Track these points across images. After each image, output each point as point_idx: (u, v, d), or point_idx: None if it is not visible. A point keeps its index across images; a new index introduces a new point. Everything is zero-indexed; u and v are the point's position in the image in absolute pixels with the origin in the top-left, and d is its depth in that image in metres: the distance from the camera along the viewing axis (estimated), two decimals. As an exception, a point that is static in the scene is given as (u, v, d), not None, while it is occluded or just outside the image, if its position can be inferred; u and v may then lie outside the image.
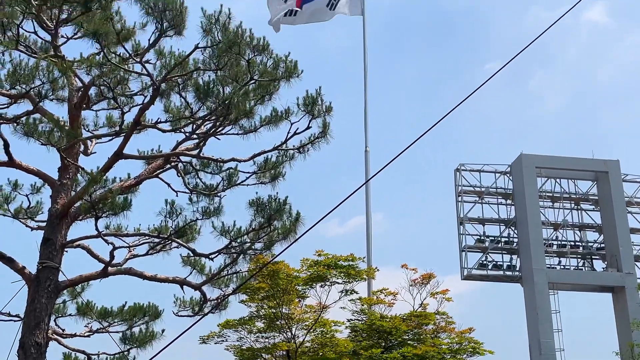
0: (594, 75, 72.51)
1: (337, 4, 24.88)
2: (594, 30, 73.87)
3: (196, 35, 11.07)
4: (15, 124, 11.78)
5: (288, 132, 12.04)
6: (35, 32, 11.99)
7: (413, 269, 25.37)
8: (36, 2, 11.06)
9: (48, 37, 11.96)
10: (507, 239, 37.30)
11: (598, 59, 72.92)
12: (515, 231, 37.10)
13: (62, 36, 12.05)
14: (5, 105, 11.91)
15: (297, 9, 23.67)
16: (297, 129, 12.00)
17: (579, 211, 38.55)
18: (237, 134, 11.98)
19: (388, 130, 64.27)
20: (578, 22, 72.33)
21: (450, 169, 38.62)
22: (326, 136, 12.08)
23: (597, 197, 38.13)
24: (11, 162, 11.73)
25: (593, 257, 37.75)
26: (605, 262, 37.13)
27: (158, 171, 12.51)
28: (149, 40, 11.45)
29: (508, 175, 38.03)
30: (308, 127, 12.00)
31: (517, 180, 37.32)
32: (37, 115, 11.91)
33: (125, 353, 12.76)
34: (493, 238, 37.22)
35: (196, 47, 11.14)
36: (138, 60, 11.38)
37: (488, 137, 67.49)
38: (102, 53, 10.98)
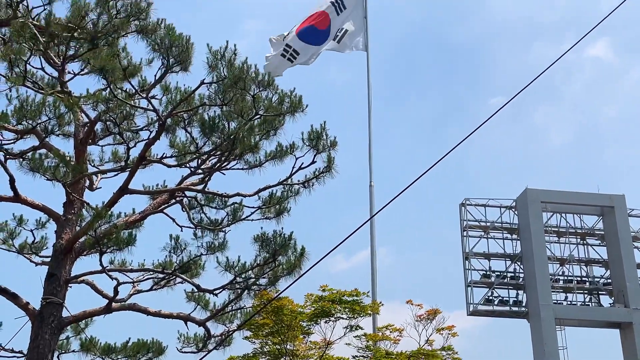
0: (599, 110, 72.79)
1: (342, 40, 24.97)
2: (598, 65, 74.34)
3: (202, 71, 11.18)
4: (21, 160, 11.83)
5: (293, 167, 12.07)
6: (42, 68, 12.11)
7: (418, 305, 25.20)
8: (44, 39, 11.18)
9: (55, 73, 12.07)
10: (513, 274, 37.06)
11: (602, 94, 73.27)
12: (521, 266, 36.89)
13: (69, 72, 12.16)
14: (12, 141, 11.99)
15: (296, 43, 23.66)
16: (302, 163, 12.04)
17: (585, 246, 38.36)
18: (242, 168, 12.01)
19: (393, 164, 64.36)
20: (582, 58, 72.84)
21: (456, 204, 38.53)
22: (331, 171, 12.10)
23: (603, 232, 37.97)
24: (16, 198, 11.75)
25: (600, 292, 37.47)
26: (612, 298, 36.82)
27: (163, 206, 12.52)
28: (155, 75, 11.57)
29: (513, 210, 37.94)
30: (313, 162, 12.03)
31: (522, 215, 37.21)
32: (43, 151, 11.97)
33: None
34: (499, 273, 36.99)
35: (202, 83, 11.23)
36: (144, 95, 11.46)
37: (493, 171, 67.51)
38: (108, 89, 11.07)
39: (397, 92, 72.48)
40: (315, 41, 24.03)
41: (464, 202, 37.98)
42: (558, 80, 73.47)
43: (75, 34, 11.14)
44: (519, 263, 37.03)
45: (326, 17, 24.26)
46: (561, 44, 68.74)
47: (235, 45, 11.05)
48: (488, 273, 36.96)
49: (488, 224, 37.69)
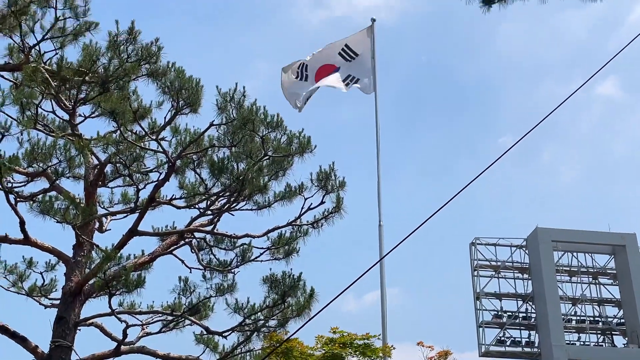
0: (608, 148, 72.70)
1: (352, 84, 25.09)
2: (607, 103, 74.50)
3: (211, 112, 11.29)
4: (31, 202, 11.88)
5: (302, 208, 12.09)
6: (53, 112, 12.24)
7: (429, 347, 24.93)
8: (55, 83, 11.32)
9: (66, 116, 12.19)
10: (525, 314, 36.73)
11: (611, 131, 73.28)
12: (533, 306, 36.54)
13: (80, 115, 12.28)
14: (23, 184, 12.08)
15: (316, 86, 23.82)
16: (311, 204, 12.05)
17: (597, 285, 38.03)
18: (251, 209, 12.03)
19: (402, 203, 64.26)
20: (590, 96, 73.05)
21: (466, 243, 38.40)
22: (340, 211, 12.10)
23: (615, 271, 37.65)
24: (26, 240, 11.78)
25: (613, 332, 37.01)
26: (626, 338, 36.35)
27: (172, 247, 12.52)
28: (165, 118, 11.68)
29: (524, 249, 37.74)
30: (322, 203, 12.04)
31: (533, 255, 36.98)
32: (53, 193, 12.02)
33: None
34: (511, 313, 36.65)
35: (211, 125, 11.32)
36: (154, 137, 11.55)
37: (503, 210, 67.24)
38: (118, 131, 11.17)
39: (405, 130, 72.76)
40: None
41: (474, 241, 37.82)
42: (566, 118, 73.70)
43: (87, 78, 11.30)
44: (530, 303, 36.70)
45: (334, 67, 24.40)
46: (569, 82, 69.08)
47: (244, 87, 11.19)
48: (500, 313, 36.64)
49: (499, 263, 37.47)
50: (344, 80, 24.24)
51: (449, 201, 6.14)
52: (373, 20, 25.24)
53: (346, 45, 24.76)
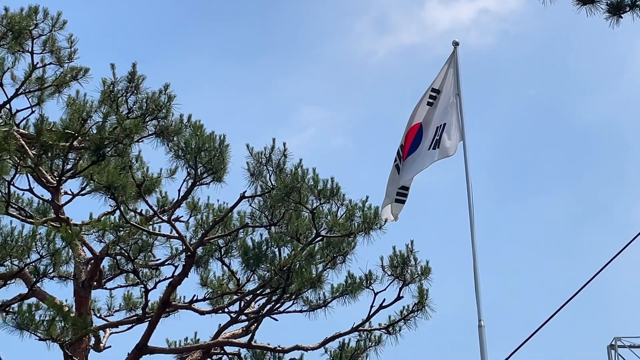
0: None
1: (440, 143, 24.98)
2: None
3: (242, 180, 11.36)
4: (4, 313, 12.00)
5: (371, 306, 12.01)
6: (31, 190, 12.44)
7: None
8: (33, 152, 11.55)
9: (48, 195, 12.38)
10: None
11: None
12: None
13: (66, 193, 12.47)
14: (-8, 289, 12.24)
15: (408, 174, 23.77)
16: (384, 300, 11.97)
17: None
18: (301, 311, 11.99)
19: (509, 294, 63.14)
20: None
21: (602, 346, 37.43)
22: (424, 308, 11.98)
23: None
24: (0, 366, 11.89)
25: None
26: None
27: (195, 368, 12.50)
28: (180, 190, 11.78)
29: (687, 351, 36.66)
30: (399, 298, 11.95)
31: (701, 358, 35.90)
32: (33, 300, 12.15)
33: None
34: None
35: (242, 197, 11.39)
36: (165, 218, 11.67)
37: (652, 297, 65.46)
38: (118, 211, 11.31)
39: (508, 192, 71.95)
40: (414, 149, 23.95)
41: (613, 343, 36.75)
42: None
43: (75, 143, 11.51)
44: None
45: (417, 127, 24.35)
46: None
47: (284, 144, 11.28)
48: None
49: (652, 372, 36.43)
50: (435, 142, 23.98)
51: (580, 290, 6.05)
52: (456, 43, 25.29)
53: (432, 89, 24.60)
